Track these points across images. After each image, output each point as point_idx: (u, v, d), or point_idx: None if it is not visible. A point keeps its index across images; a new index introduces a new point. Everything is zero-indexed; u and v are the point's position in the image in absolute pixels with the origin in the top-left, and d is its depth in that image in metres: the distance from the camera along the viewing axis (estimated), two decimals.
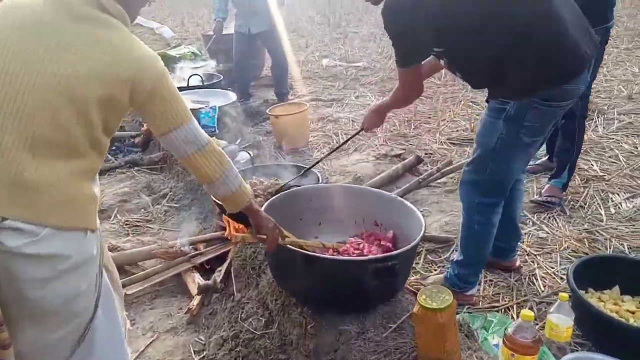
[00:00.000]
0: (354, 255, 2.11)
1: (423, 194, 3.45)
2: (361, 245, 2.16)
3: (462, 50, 2.01)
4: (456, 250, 2.65)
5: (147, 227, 3.36)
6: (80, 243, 1.30)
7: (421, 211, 3.24)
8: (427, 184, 3.55)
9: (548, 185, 3.29)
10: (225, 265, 2.66)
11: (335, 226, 2.41)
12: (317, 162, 2.92)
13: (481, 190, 2.17)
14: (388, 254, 1.83)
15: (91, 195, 1.36)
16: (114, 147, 4.88)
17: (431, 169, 3.79)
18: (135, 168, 4.22)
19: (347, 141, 2.89)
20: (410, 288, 2.37)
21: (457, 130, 4.65)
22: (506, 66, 1.92)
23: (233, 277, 2.56)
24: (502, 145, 2.04)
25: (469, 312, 2.36)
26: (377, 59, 7.51)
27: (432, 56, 2.24)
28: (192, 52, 5.93)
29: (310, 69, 7.29)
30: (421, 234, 1.96)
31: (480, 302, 2.48)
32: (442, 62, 2.19)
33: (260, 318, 2.24)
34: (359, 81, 6.58)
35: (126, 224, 3.37)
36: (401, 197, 3.35)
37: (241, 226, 2.77)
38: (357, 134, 2.72)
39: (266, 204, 2.18)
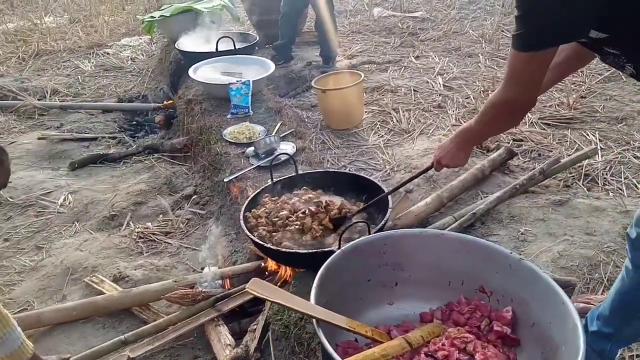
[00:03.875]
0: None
1: (521, 205, 2.60)
2: (470, 346, 1.38)
3: None
4: (579, 292, 1.87)
5: (164, 242, 2.68)
6: None
7: (522, 233, 2.46)
8: (525, 189, 2.69)
9: None
10: (262, 322, 1.95)
11: (418, 288, 1.66)
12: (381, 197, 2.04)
13: None
14: None
15: None
16: (134, 122, 4.20)
17: (526, 165, 2.92)
18: (155, 155, 3.51)
19: (410, 180, 1.98)
20: None
21: (551, 106, 3.70)
22: None
23: (271, 345, 1.85)
24: None
25: None
26: (438, 8, 6.42)
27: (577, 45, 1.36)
28: (223, 5, 5.05)
29: (360, 20, 6.28)
30: (581, 353, 1.17)
31: None
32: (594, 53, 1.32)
33: None
34: (417, 36, 5.57)
35: (140, 238, 2.70)
36: (492, 208, 2.59)
37: None
38: (425, 171, 1.89)
39: (320, 272, 1.43)
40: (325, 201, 2.08)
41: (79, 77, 5.27)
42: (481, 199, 2.69)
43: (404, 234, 1.67)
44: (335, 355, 1.15)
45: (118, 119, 4.30)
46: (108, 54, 6.00)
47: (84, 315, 2.14)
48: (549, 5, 1.17)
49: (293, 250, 1.85)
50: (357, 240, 1.61)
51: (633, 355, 1.84)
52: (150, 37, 5.96)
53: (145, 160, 3.49)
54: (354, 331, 1.38)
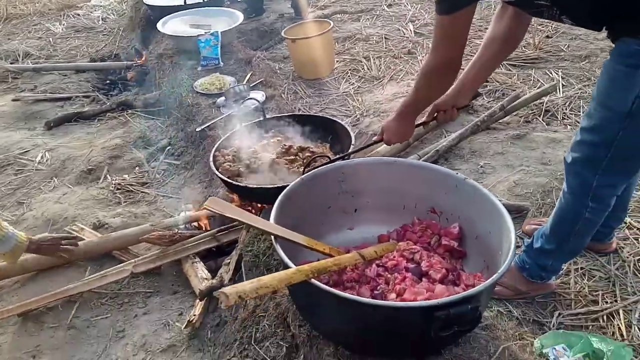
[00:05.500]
0: (408, 271, 1.48)
1: (482, 141, 2.72)
2: (417, 255, 1.51)
3: None
4: (532, 216, 2.02)
5: (141, 192, 2.77)
6: None
7: (481, 166, 2.58)
8: (486, 126, 2.81)
9: None
10: (235, 257, 2.07)
11: (376, 213, 1.77)
12: (342, 157, 1.99)
13: (603, 168, 1.47)
14: (469, 292, 1.19)
15: None
16: (107, 82, 4.22)
17: (490, 105, 3.02)
18: (129, 111, 3.55)
19: (360, 149, 2.02)
20: None
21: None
22: None
23: (244, 275, 1.98)
24: None
25: (561, 329, 1.75)
26: None
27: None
28: None
29: None
30: (511, 251, 1.30)
31: (573, 304, 1.86)
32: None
33: (281, 343, 1.68)
34: None
35: (117, 189, 2.78)
36: (455, 145, 2.70)
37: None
38: (373, 144, 1.98)
39: (280, 197, 1.54)
40: (288, 144, 2.17)
41: (51, 39, 5.21)
42: (445, 137, 2.80)
43: (359, 162, 1.78)
44: (289, 262, 1.26)
45: (91, 78, 4.30)
46: (79, 15, 5.92)
47: (66, 260, 2.25)
48: None
49: (254, 185, 1.94)
50: (316, 169, 1.71)
51: (578, 268, 2.00)
52: None
53: (119, 116, 3.54)
54: (312, 248, 1.49)
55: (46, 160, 3.10)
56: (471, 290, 1.23)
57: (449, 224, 1.67)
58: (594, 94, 1.46)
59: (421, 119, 1.86)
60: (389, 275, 1.47)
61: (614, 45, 1.38)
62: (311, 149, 2.20)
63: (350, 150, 1.96)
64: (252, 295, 1.08)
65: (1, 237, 1.87)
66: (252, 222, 1.38)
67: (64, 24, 5.64)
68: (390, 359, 1.40)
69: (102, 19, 5.75)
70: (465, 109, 3.00)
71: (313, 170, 1.70)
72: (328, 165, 1.75)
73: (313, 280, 1.25)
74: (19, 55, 4.76)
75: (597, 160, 1.47)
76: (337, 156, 1.98)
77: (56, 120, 3.52)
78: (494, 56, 1.75)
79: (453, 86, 1.75)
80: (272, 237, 1.39)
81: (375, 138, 1.91)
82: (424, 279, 1.46)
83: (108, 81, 4.25)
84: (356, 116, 3.18)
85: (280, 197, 1.55)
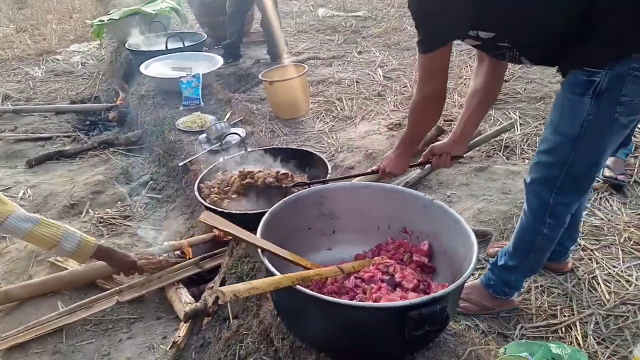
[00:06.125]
0: (383, 282, 1.61)
1: (448, 174, 2.92)
2: (391, 268, 1.66)
3: (522, 18, 1.53)
4: (495, 241, 2.18)
5: (124, 225, 2.85)
6: None
7: (448, 196, 2.77)
8: None
9: (613, 158, 2.70)
10: (218, 281, 2.17)
11: (353, 234, 1.92)
12: (325, 182, 2.21)
13: (558, 186, 1.66)
14: (438, 294, 1.33)
15: None
16: (87, 122, 4.33)
17: None
18: (111, 149, 3.66)
19: (354, 176, 2.21)
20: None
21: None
22: (593, 16, 1.44)
23: None
24: (591, 130, 1.52)
25: (523, 340, 1.90)
26: (379, 7, 6.80)
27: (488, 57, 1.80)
28: (171, 8, 5.23)
29: (305, 20, 6.58)
30: (473, 259, 1.46)
31: (534, 318, 2.01)
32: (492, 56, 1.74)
33: (264, 358, 1.77)
34: (360, 34, 5.91)
35: (100, 222, 2.86)
36: (423, 177, 2.90)
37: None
38: (370, 173, 2.15)
39: (265, 217, 1.67)
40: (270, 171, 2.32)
41: (30, 82, 5.32)
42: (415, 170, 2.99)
43: (336, 187, 1.94)
44: (275, 271, 1.39)
45: (71, 119, 4.40)
46: (58, 60, 6.06)
47: (51, 289, 2.30)
48: (432, 16, 1.58)
49: (237, 211, 2.07)
50: (298, 192, 1.86)
51: (538, 285, 2.16)
52: (99, 41, 6.04)
53: (101, 154, 3.64)
54: (295, 263, 1.62)
55: (28, 197, 3.16)
56: (440, 292, 1.37)
57: (419, 242, 1.83)
58: (547, 122, 1.67)
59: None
60: (365, 286, 1.60)
61: (564, 79, 1.60)
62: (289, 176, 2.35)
63: (341, 176, 2.12)
64: (245, 295, 1.20)
65: (61, 235, 1.88)
66: (242, 235, 1.51)
67: (43, 68, 5.77)
68: None
69: (81, 64, 5.91)
70: (458, 159, 3.26)
71: (296, 193, 1.84)
72: (309, 189, 1.90)
73: (298, 286, 1.37)
74: None
75: (553, 179, 1.65)
76: (317, 180, 2.14)
77: (38, 158, 3.60)
78: (478, 107, 1.97)
79: (449, 136, 1.97)
80: (259, 250, 1.51)
81: (373, 168, 2.08)
82: (397, 289, 1.59)
83: (88, 122, 4.36)
84: (331, 152, 3.36)
85: (265, 217, 1.68)
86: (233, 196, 2.21)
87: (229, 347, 1.89)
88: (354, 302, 1.42)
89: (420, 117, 1.82)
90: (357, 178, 2.17)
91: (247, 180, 2.26)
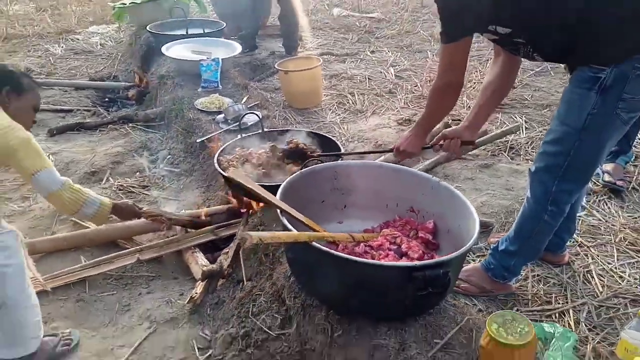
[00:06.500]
0: (391, 250, 1.76)
1: (454, 168, 3.07)
2: (398, 239, 1.80)
3: (534, 18, 1.69)
4: (496, 232, 2.32)
5: (143, 193, 3.00)
6: None
7: None
8: (458, 156, 3.16)
9: (613, 164, 2.86)
10: (233, 247, 2.31)
11: (363, 210, 2.06)
12: (342, 155, 2.43)
13: (561, 175, 1.80)
14: (442, 259, 1.47)
15: None
16: (106, 99, 4.47)
17: None
18: (130, 125, 3.80)
19: (370, 152, 2.33)
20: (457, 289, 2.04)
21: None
22: (600, 17, 1.58)
23: (242, 261, 2.22)
24: (594, 123, 1.67)
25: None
26: (393, 10, 6.95)
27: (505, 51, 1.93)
28: None
29: (320, 18, 6.74)
30: (475, 233, 1.60)
31: (530, 303, 2.15)
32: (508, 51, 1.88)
33: (276, 315, 1.91)
34: (373, 34, 6.06)
35: (120, 189, 3.00)
36: (430, 169, 3.04)
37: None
38: (383, 151, 2.28)
39: (283, 184, 1.81)
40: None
41: (50, 58, 5.47)
42: (422, 163, 3.14)
43: (350, 164, 2.08)
44: (290, 226, 1.53)
45: (91, 95, 4.55)
46: (78, 39, 6.21)
47: (74, 245, 2.44)
48: (455, 9, 1.73)
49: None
50: (314, 166, 2.00)
51: (535, 275, 2.30)
52: (119, 24, 6.19)
53: (120, 128, 3.78)
54: (310, 226, 1.76)
55: (52, 161, 3.28)
56: (444, 257, 1.51)
57: (425, 220, 1.97)
58: (554, 115, 1.81)
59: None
60: (374, 253, 1.74)
61: (571, 76, 1.75)
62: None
63: (356, 152, 2.24)
64: (269, 241, 1.35)
65: (83, 202, 1.94)
66: (264, 194, 1.65)
67: (62, 47, 5.92)
68: (375, 320, 1.65)
69: (100, 44, 6.05)
70: (469, 148, 3.39)
71: (312, 167, 1.99)
72: (324, 164, 2.04)
73: (314, 243, 1.51)
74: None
75: (557, 167, 1.79)
76: (335, 153, 2.28)
77: (59, 128, 3.74)
78: (492, 97, 2.10)
79: (462, 122, 2.12)
80: (279, 211, 1.65)
81: (391, 147, 2.23)
82: (403, 258, 1.74)
83: (107, 99, 4.50)
84: (342, 142, 3.50)
85: (283, 185, 1.82)
86: (263, 170, 2.34)
87: (243, 305, 2.03)
88: (364, 260, 1.56)
89: (437, 102, 1.96)
90: (372, 155, 2.29)
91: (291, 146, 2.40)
